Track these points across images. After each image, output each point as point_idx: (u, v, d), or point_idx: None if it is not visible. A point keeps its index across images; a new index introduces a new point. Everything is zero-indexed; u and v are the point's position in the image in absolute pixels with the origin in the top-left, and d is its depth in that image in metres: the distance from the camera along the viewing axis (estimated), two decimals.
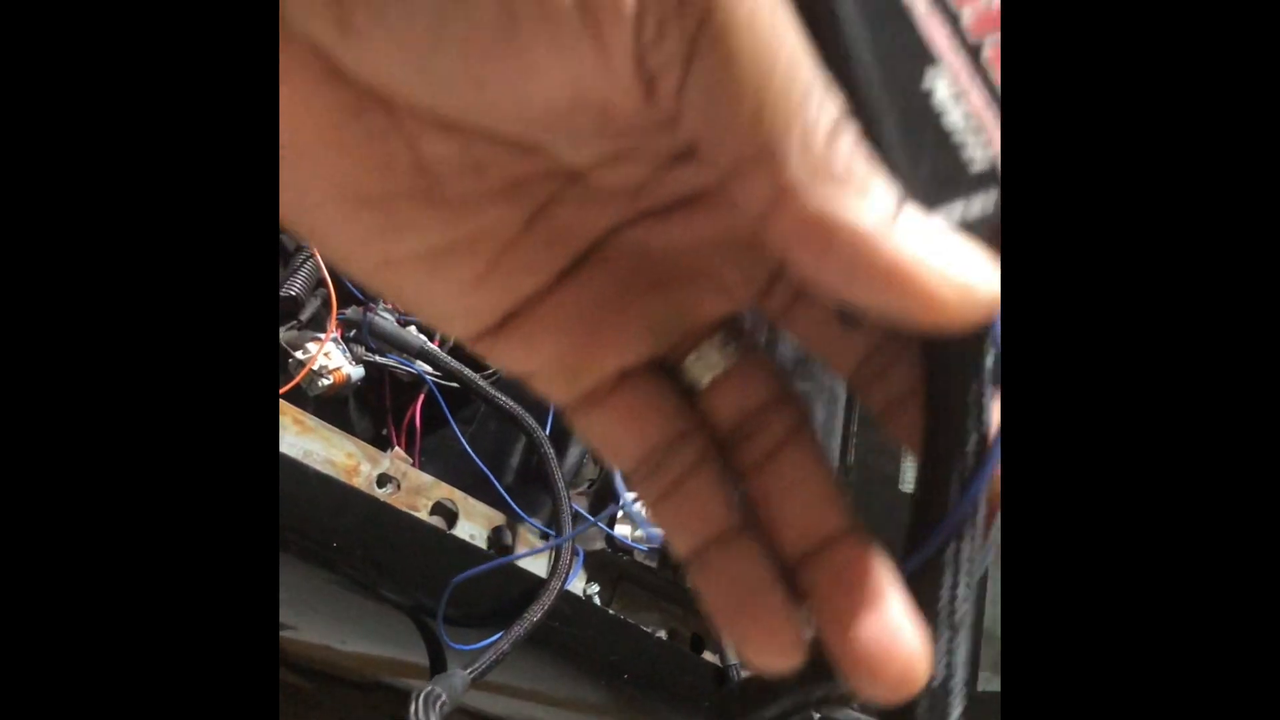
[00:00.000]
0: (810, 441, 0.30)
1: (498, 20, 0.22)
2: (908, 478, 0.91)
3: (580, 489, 0.88)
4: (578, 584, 0.79)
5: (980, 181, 0.25)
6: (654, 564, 0.80)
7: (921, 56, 0.25)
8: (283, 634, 0.95)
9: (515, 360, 0.29)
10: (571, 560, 0.76)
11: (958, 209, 0.25)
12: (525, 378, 0.29)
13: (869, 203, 0.23)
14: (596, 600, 0.79)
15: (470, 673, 0.67)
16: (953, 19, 0.25)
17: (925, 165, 0.24)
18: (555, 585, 0.73)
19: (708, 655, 0.83)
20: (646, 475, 0.29)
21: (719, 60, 0.22)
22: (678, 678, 0.82)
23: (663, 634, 0.82)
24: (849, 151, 0.23)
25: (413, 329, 0.85)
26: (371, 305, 0.83)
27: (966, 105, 0.25)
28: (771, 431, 0.29)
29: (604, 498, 0.83)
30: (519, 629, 0.69)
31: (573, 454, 0.89)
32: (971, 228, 0.25)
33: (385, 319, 0.82)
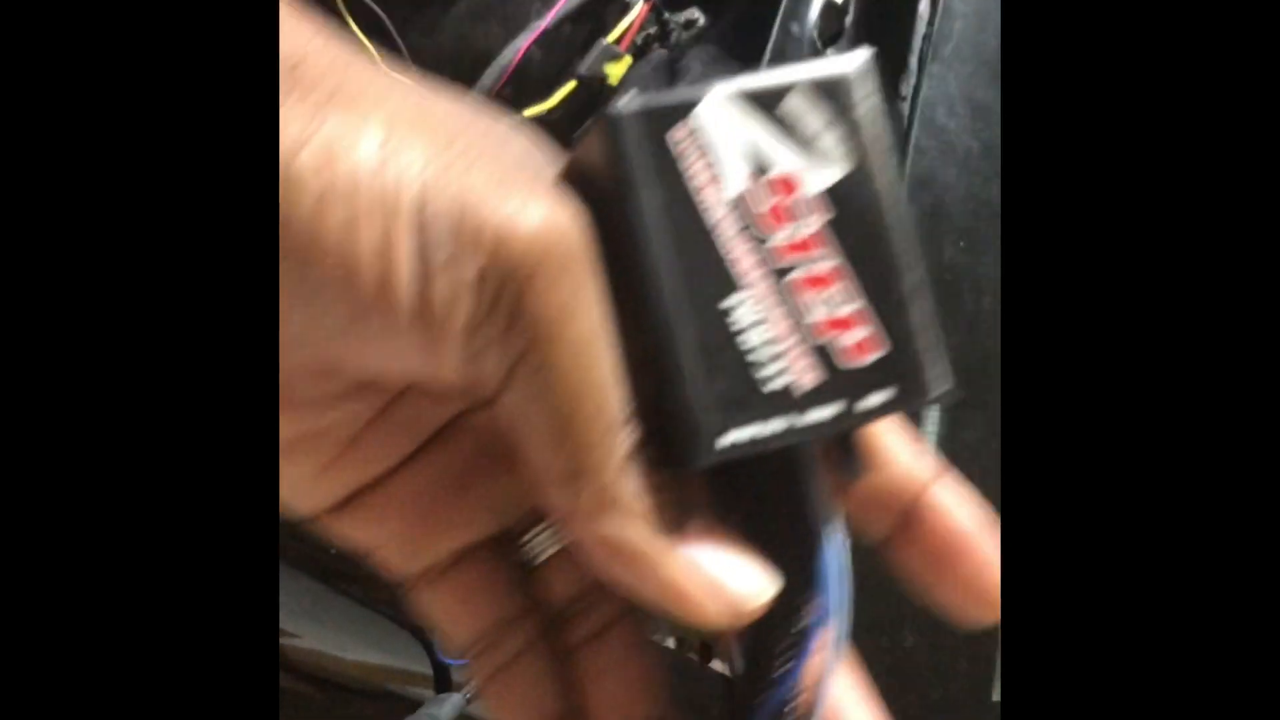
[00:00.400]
0: (636, 625, 0.31)
1: (347, 326, 0.25)
2: None
3: None
4: None
5: (774, 404, 0.26)
6: None
7: (724, 279, 0.25)
8: (285, 641, 0.94)
9: (355, 538, 0.30)
10: None
11: (748, 431, 0.25)
12: (363, 553, 0.30)
13: (648, 531, 0.26)
14: None
15: (466, 694, 0.66)
16: (760, 242, 0.26)
17: (720, 385, 0.25)
18: None
19: (717, 664, 0.81)
20: (479, 654, 0.30)
21: (537, 385, 0.24)
22: (686, 687, 0.80)
23: (670, 642, 0.80)
24: (637, 484, 0.26)
25: None
26: None
27: (767, 330, 0.26)
28: (600, 612, 0.31)
29: None
30: None
31: None
32: (763, 446, 0.25)
33: None
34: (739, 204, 0.26)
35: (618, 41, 0.94)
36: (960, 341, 0.92)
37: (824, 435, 0.27)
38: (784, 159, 0.26)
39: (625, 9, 0.96)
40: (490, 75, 0.91)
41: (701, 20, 1.05)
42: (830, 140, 0.27)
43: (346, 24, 0.84)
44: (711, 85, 0.26)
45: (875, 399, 0.27)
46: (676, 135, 0.25)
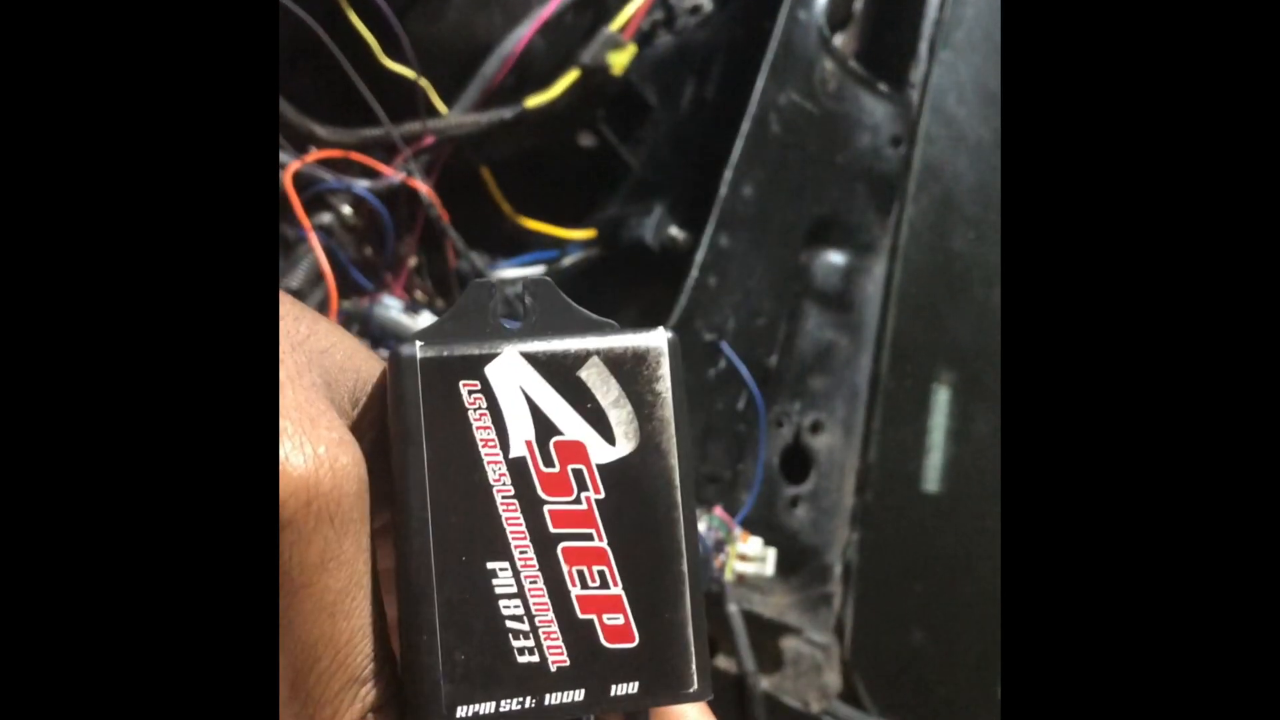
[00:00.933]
0: None
1: None
2: (929, 476, 0.88)
3: None
4: None
5: (522, 680, 0.25)
6: None
7: (492, 541, 0.25)
8: None
9: None
10: None
11: (490, 704, 0.25)
12: None
13: None
14: None
15: None
16: (533, 508, 0.25)
17: (468, 651, 0.25)
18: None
19: (722, 661, 0.80)
20: None
21: (281, 637, 0.23)
22: None
23: None
24: None
25: (425, 314, 0.83)
26: (375, 295, 0.81)
27: (526, 600, 0.25)
28: None
29: None
30: None
31: None
32: None
33: (388, 308, 0.80)
34: (519, 466, 0.25)
35: (622, 29, 0.93)
36: (969, 331, 0.91)
37: (566, 719, 0.26)
38: (571, 427, 0.26)
39: None
40: (492, 65, 0.90)
41: (708, 6, 1.04)
42: (620, 416, 0.26)
43: (345, 14, 0.83)
44: (509, 341, 0.26)
45: (621, 689, 0.26)
46: (467, 387, 0.25)
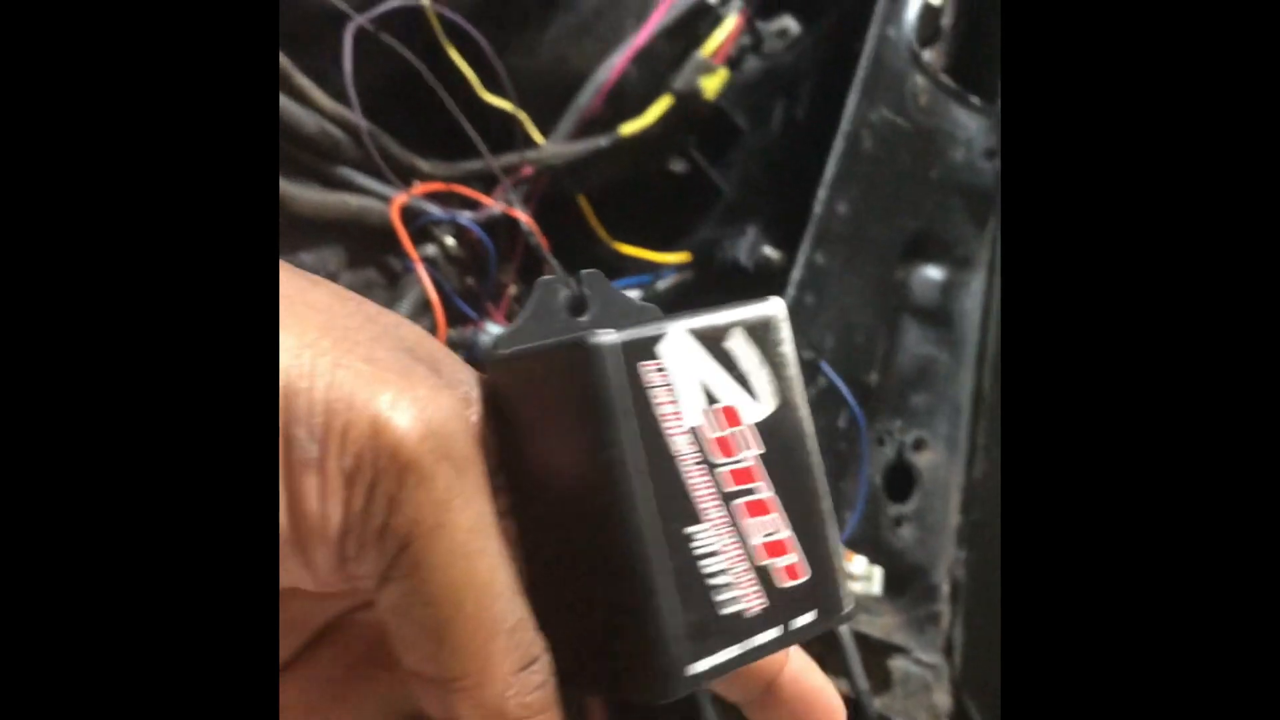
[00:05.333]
0: None
1: None
2: None
3: None
4: None
5: (730, 629, 0.27)
6: None
7: (688, 507, 0.26)
8: None
9: None
10: None
11: (713, 659, 0.26)
12: None
13: None
14: None
15: None
16: (712, 471, 0.27)
17: (690, 614, 0.26)
18: None
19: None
20: None
21: (413, 584, 0.23)
22: None
23: None
24: (531, 693, 0.24)
25: None
26: (480, 322, 0.82)
27: (723, 557, 0.27)
28: None
29: None
30: None
31: None
32: (722, 673, 0.26)
33: (492, 335, 0.82)
34: (696, 434, 0.27)
35: (712, 54, 0.94)
36: None
37: (768, 655, 0.28)
38: (727, 392, 0.28)
39: (718, 21, 0.96)
40: (587, 94, 0.92)
41: (795, 28, 1.05)
42: (762, 377, 0.28)
43: (445, 51, 0.86)
44: (668, 320, 0.27)
45: (803, 620, 0.28)
46: (646, 366, 0.26)
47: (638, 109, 0.92)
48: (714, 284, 0.90)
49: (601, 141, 0.91)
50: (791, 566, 0.28)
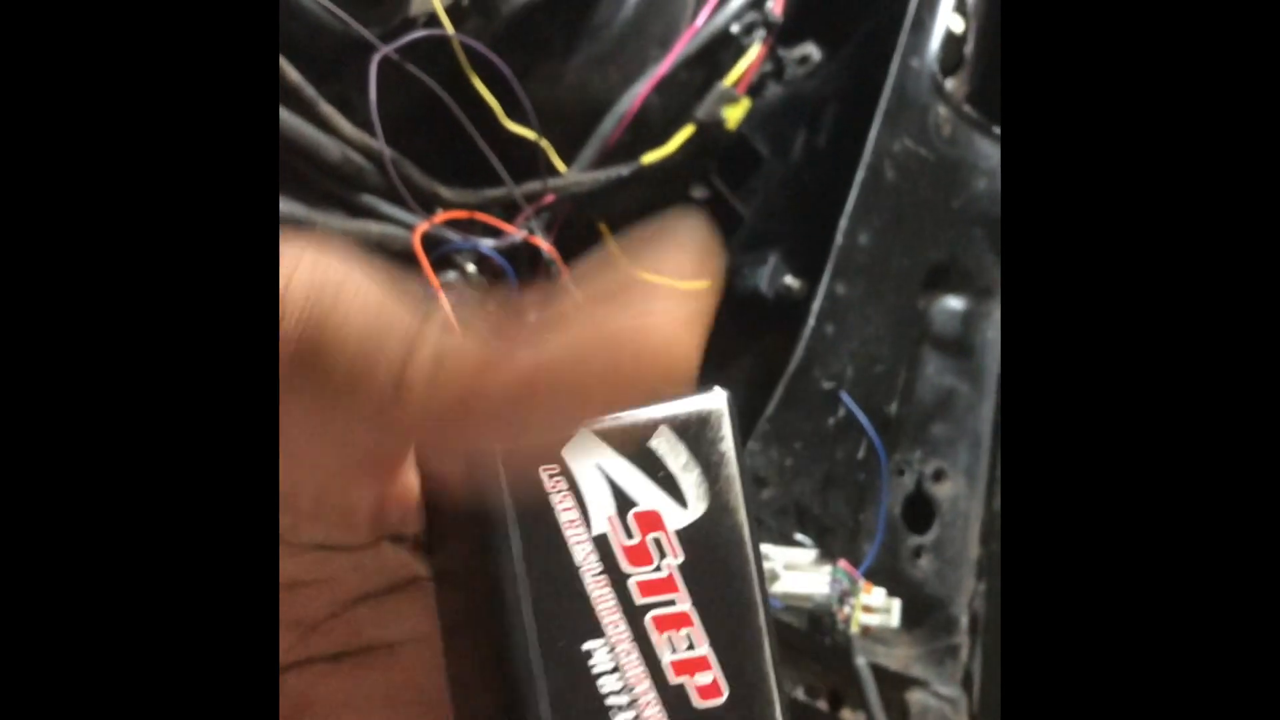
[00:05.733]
0: None
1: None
2: None
3: None
4: None
5: None
6: (798, 622, 0.76)
7: (586, 622, 0.25)
8: None
9: None
10: None
11: None
12: None
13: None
14: None
15: None
16: (620, 583, 0.25)
17: None
18: None
19: (847, 714, 0.79)
20: None
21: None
22: None
23: (799, 692, 0.79)
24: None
25: None
26: None
27: (624, 675, 0.25)
28: None
29: None
30: None
31: None
32: None
33: None
34: (602, 542, 0.25)
35: (735, 84, 0.94)
36: None
37: None
38: (646, 497, 0.26)
39: (741, 51, 0.96)
40: (609, 123, 0.92)
41: (817, 56, 1.05)
42: (691, 479, 0.26)
43: (469, 79, 0.86)
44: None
45: None
46: (545, 472, 0.25)
47: (660, 138, 0.92)
48: (735, 312, 0.90)
49: (623, 170, 0.91)
50: (708, 686, 0.26)
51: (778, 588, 0.76)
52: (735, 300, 0.89)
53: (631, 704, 0.25)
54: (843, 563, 0.77)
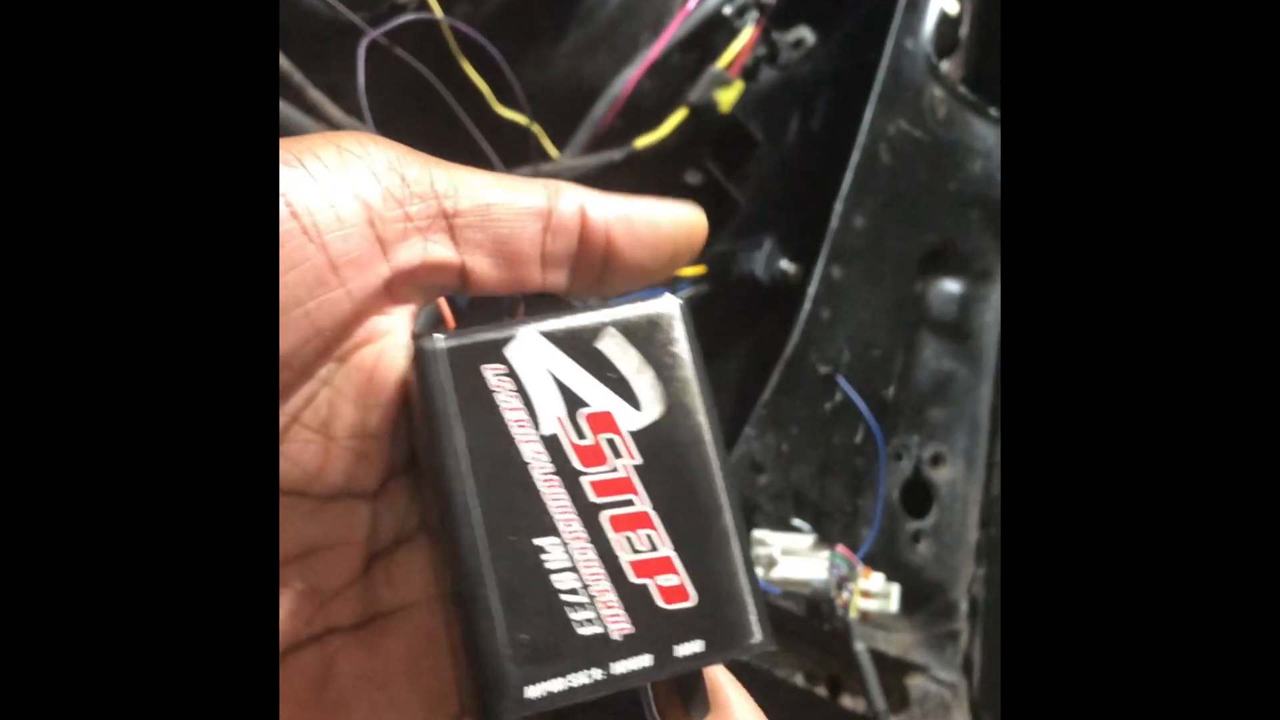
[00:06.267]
0: None
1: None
2: None
3: None
4: None
5: (587, 652, 0.25)
6: (796, 608, 0.76)
7: (537, 518, 0.25)
8: None
9: None
10: None
11: (560, 682, 0.24)
12: None
13: None
14: None
15: None
16: (573, 481, 0.25)
17: (529, 631, 0.24)
18: None
19: (847, 700, 0.79)
20: None
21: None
22: None
23: (798, 678, 0.78)
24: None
25: None
26: None
27: (580, 573, 0.25)
28: None
29: None
30: None
31: None
32: (576, 698, 0.24)
33: None
34: (552, 441, 0.26)
35: (728, 66, 0.93)
36: None
37: (637, 685, 0.26)
38: (598, 398, 0.26)
39: (734, 33, 0.96)
40: (601, 107, 0.91)
41: (811, 39, 1.04)
42: (644, 382, 0.26)
43: (459, 63, 0.85)
44: (524, 322, 0.26)
45: (685, 649, 0.26)
46: (490, 371, 0.25)
47: (652, 122, 0.91)
48: (731, 298, 0.89)
49: (616, 155, 0.90)
50: (674, 589, 0.26)
51: (776, 573, 0.75)
52: (731, 285, 0.88)
53: (590, 602, 0.25)
54: (841, 548, 0.76)
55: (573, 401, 0.26)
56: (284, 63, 0.79)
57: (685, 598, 0.26)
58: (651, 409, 0.27)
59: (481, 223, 0.27)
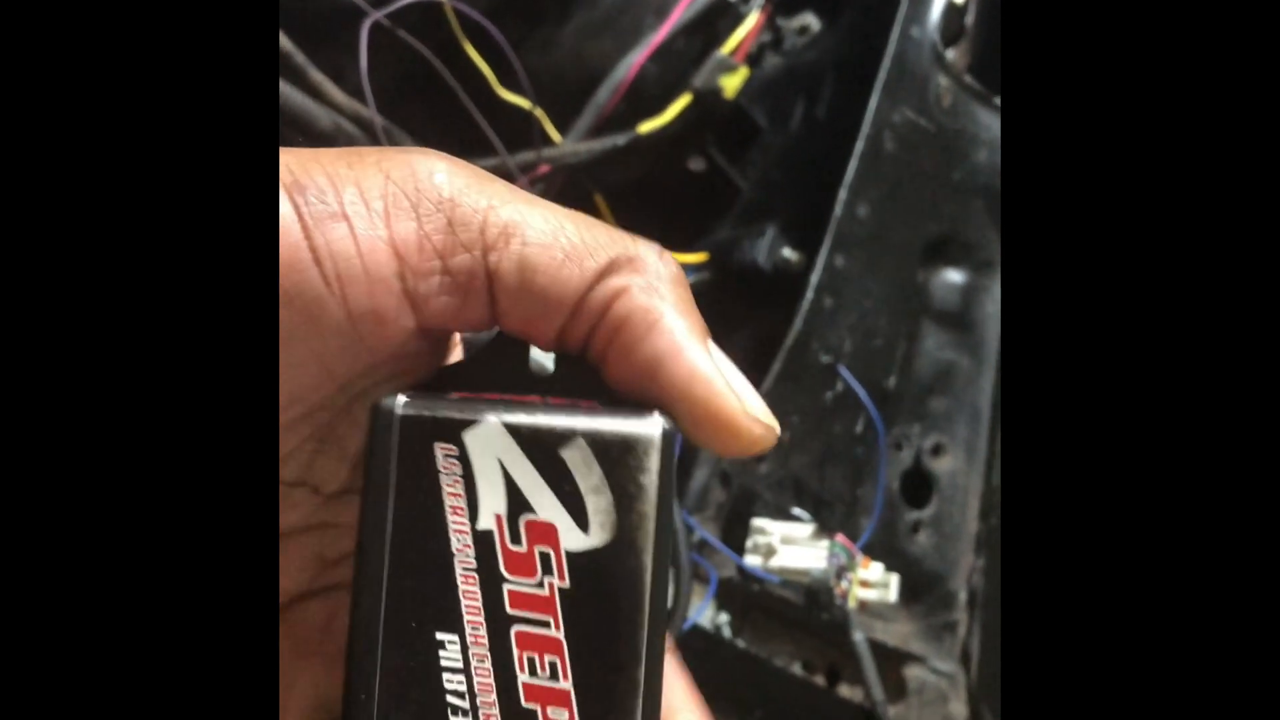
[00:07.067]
0: None
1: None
2: None
3: (708, 514, 0.84)
4: (706, 614, 0.76)
5: None
6: (795, 597, 0.76)
7: (446, 611, 0.24)
8: None
9: None
10: (689, 588, 0.73)
11: None
12: None
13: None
14: (726, 631, 0.76)
15: None
16: (493, 586, 0.24)
17: (408, 714, 0.24)
18: (676, 618, 0.70)
19: (844, 690, 0.79)
20: None
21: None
22: (813, 715, 0.77)
23: (796, 667, 0.78)
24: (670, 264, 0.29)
25: None
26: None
27: (472, 678, 0.24)
28: None
29: (734, 524, 0.80)
30: None
31: (698, 476, 0.85)
32: None
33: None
34: (484, 539, 0.24)
35: (732, 52, 0.92)
36: None
37: None
38: (545, 507, 0.24)
39: (739, 19, 0.95)
40: (605, 92, 0.91)
41: (816, 26, 1.03)
42: (598, 504, 0.24)
43: (462, 47, 0.85)
44: (491, 408, 0.24)
45: None
46: (441, 450, 0.24)
47: (656, 107, 0.91)
48: (733, 286, 0.89)
49: (619, 140, 0.90)
50: None
51: (775, 562, 0.75)
52: (733, 273, 0.88)
53: (471, 710, 0.24)
54: (840, 537, 0.76)
55: (518, 503, 0.24)
56: (286, 43, 0.78)
57: None
58: (598, 534, 0.25)
59: (523, 289, 0.25)
